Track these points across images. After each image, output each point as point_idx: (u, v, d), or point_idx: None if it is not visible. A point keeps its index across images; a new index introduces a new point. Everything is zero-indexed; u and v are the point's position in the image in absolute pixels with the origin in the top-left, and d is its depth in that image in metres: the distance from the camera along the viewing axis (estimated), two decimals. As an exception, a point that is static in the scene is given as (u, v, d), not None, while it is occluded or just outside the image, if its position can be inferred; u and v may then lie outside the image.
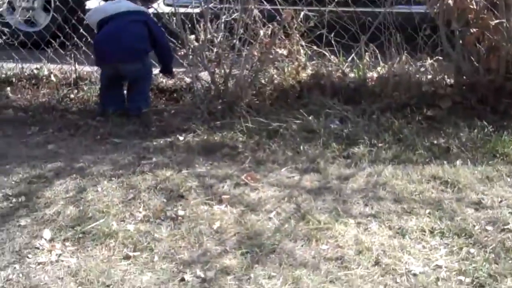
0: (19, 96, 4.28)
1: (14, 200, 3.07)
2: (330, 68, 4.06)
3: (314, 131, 3.58)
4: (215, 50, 4.03)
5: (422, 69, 3.91)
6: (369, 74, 4.03)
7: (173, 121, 3.85)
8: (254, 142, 3.55)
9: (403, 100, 3.78)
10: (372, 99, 3.84)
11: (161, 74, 4.27)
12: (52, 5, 5.42)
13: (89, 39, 4.71)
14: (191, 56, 4.04)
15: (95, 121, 3.95)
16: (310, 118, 3.66)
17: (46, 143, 3.72)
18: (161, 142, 3.64)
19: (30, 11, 5.38)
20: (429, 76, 3.89)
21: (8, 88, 4.34)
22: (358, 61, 4.08)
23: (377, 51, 4.05)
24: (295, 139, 3.53)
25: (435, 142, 3.44)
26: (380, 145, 3.42)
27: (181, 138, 3.66)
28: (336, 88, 3.94)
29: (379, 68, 4.05)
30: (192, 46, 4.02)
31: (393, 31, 3.98)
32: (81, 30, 4.83)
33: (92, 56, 4.51)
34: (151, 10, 4.90)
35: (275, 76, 4.04)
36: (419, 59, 3.93)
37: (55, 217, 2.89)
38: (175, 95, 4.21)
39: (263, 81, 4.02)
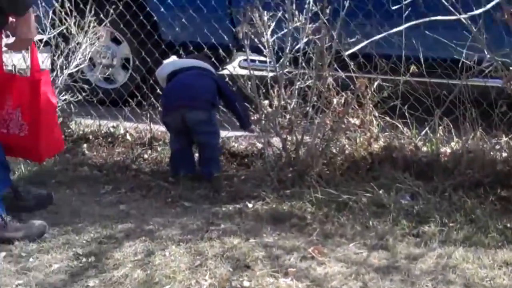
0: (94, 153, 4.38)
1: (84, 260, 3.12)
2: (402, 141, 4.03)
3: (384, 206, 3.55)
4: (288, 116, 4.05)
5: (497, 146, 3.85)
6: (442, 149, 3.98)
7: (243, 187, 3.87)
8: (323, 214, 3.54)
9: (477, 178, 3.71)
10: (444, 175, 3.78)
11: (233, 138, 4.33)
12: (131, 63, 5.58)
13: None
14: (263, 122, 4.07)
15: (167, 182, 4.00)
16: (381, 192, 3.63)
17: (119, 203, 3.79)
18: (230, 208, 3.67)
19: (110, 68, 5.54)
20: (505, 154, 3.81)
21: (85, 145, 4.45)
22: (431, 135, 4.04)
23: (451, 126, 4.01)
24: (364, 213, 3.50)
25: (509, 225, 3.34)
26: (451, 225, 3.36)
27: (250, 205, 3.68)
28: (408, 162, 3.90)
29: (452, 144, 4.00)
30: (265, 111, 4.06)
31: (468, 106, 3.93)
32: (158, 90, 4.94)
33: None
34: (225, 72, 5.02)
35: (347, 146, 4.04)
36: (494, 136, 3.87)
37: (123, 279, 2.93)
38: (246, 160, 4.24)
39: (334, 151, 4.02)
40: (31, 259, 3.13)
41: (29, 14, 3.28)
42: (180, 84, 4.11)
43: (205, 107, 4.03)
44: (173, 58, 4.42)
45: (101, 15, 4.91)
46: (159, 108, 4.73)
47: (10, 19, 3.38)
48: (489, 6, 3.50)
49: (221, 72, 5.32)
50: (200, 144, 4.10)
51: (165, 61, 4.40)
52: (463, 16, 3.57)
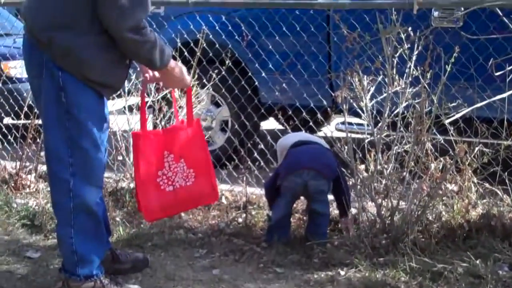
0: (190, 216, 4.44)
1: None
2: (502, 208, 3.94)
3: (480, 277, 3.45)
4: (383, 181, 4.03)
5: None
6: (544, 218, 3.87)
7: (335, 254, 3.83)
8: (417, 283, 3.48)
9: None
10: (546, 245, 3.67)
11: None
12: (229, 126, 5.71)
13: (262, 164, 4.91)
14: (359, 187, 4.05)
15: (260, 247, 4.02)
16: (478, 262, 3.54)
17: (212, 268, 3.83)
18: (322, 275, 3.65)
19: (209, 131, 5.67)
20: None
21: (181, 208, 4.52)
22: (532, 202, 3.94)
23: (554, 193, 3.90)
24: (460, 284, 3.42)
25: None
26: (550, 298, 3.26)
27: (342, 272, 3.66)
28: (507, 230, 3.79)
29: (554, 212, 3.89)
30: (361, 176, 4.05)
31: None
32: (255, 154, 5.03)
33: (262, 180, 4.68)
34: (321, 134, 5.05)
35: (443, 213, 3.97)
36: None
37: None
38: (339, 225, 4.22)
39: (430, 218, 3.95)
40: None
41: (169, 67, 3.37)
42: (308, 151, 4.16)
43: (329, 177, 4.04)
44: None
45: (204, 80, 5.07)
46: (255, 172, 4.81)
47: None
48: None
49: (318, 134, 5.38)
50: (314, 212, 4.08)
51: (290, 134, 4.56)
52: None
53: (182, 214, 4.45)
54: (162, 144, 3.50)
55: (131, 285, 3.54)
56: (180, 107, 4.75)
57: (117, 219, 4.47)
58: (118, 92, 3.82)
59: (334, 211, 4.34)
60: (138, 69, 3.72)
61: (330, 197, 4.18)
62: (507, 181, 4.02)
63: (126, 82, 4.86)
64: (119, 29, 3.14)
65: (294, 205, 4.26)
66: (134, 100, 5.16)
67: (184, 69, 3.49)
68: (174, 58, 3.45)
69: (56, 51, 3.17)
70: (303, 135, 4.46)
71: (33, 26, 3.23)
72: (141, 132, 3.52)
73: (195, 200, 3.70)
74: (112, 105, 5.14)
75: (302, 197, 4.23)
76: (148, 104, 4.89)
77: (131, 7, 3.10)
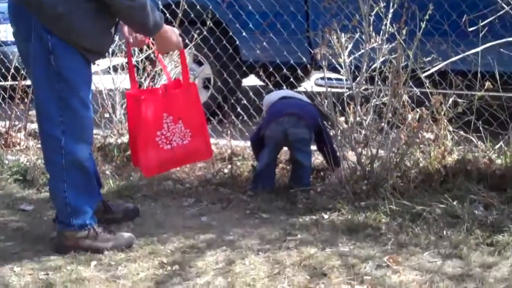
0: (178, 168, 4.43)
1: (168, 268, 3.20)
2: (476, 154, 3.99)
3: (458, 217, 3.51)
4: (363, 132, 4.06)
5: None
6: (516, 162, 3.93)
7: (319, 200, 3.88)
8: (397, 224, 3.53)
9: (551, 189, 3.66)
10: (518, 187, 3.74)
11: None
12: (212, 83, 5.71)
13: (245, 118, 4.92)
14: (339, 137, 4.08)
15: (246, 195, 4.07)
16: (455, 203, 3.60)
17: (200, 215, 3.86)
18: (307, 219, 3.70)
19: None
20: None
21: (169, 160, 4.52)
22: (505, 148, 3.99)
23: (526, 138, 3.96)
24: (438, 224, 3.48)
25: None
26: (525, 234, 3.32)
27: (326, 216, 3.70)
28: (482, 174, 3.86)
29: (527, 156, 3.95)
30: (341, 128, 4.08)
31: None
32: (238, 109, 5.04)
33: (246, 133, 4.71)
34: (301, 89, 5.07)
35: (421, 159, 4.02)
36: None
37: (205, 287, 3.00)
38: (322, 173, 4.26)
39: (408, 164, 4.00)
40: (119, 268, 3.23)
41: (162, 31, 3.36)
42: (290, 103, 4.25)
43: (310, 125, 4.09)
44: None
45: (186, 40, 5.05)
46: (239, 126, 4.83)
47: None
48: None
49: (299, 90, 5.39)
50: (297, 163, 4.13)
51: (275, 91, 4.60)
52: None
53: (170, 166, 4.47)
54: (161, 107, 3.52)
55: (124, 233, 3.55)
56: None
57: (107, 172, 4.48)
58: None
59: (316, 160, 4.38)
60: (120, 32, 3.68)
61: (313, 147, 4.21)
62: (481, 128, 4.07)
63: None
64: None
65: (278, 156, 4.29)
66: (118, 60, 5.15)
67: (176, 31, 3.47)
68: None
69: (46, 15, 3.15)
70: (287, 92, 4.50)
71: None
72: (142, 95, 3.54)
73: (190, 156, 3.73)
74: (97, 65, 5.12)
75: (286, 148, 4.26)
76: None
77: None
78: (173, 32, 3.44)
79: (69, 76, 3.23)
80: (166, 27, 3.38)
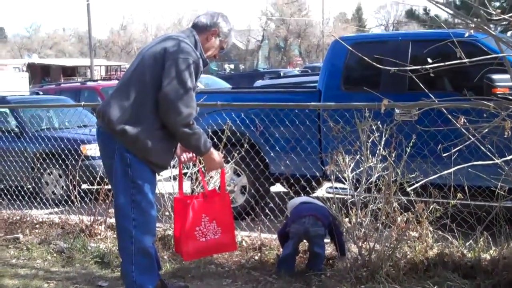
0: (219, 255, 4.40)
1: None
2: (452, 249, 3.91)
3: (437, 300, 3.42)
4: (363, 230, 4.01)
5: (527, 255, 3.67)
6: (483, 256, 3.83)
7: (328, 282, 3.80)
8: (390, 304, 3.44)
9: (511, 278, 3.54)
10: (485, 276, 3.62)
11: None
12: (247, 190, 5.72)
13: (271, 217, 4.90)
14: (344, 234, 4.05)
15: (271, 278, 3.99)
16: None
17: (236, 293, 3.79)
18: (319, 298, 3.62)
19: (232, 193, 5.69)
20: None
21: (213, 249, 4.48)
22: (474, 245, 3.92)
23: (490, 238, 3.88)
24: (421, 305, 3.38)
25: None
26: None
27: (334, 296, 3.63)
28: (456, 265, 3.77)
29: (491, 251, 3.85)
30: (346, 226, 4.05)
31: (503, 223, 3.81)
32: (266, 210, 5.02)
33: (272, 229, 4.67)
34: (315, 195, 5.05)
35: (408, 252, 3.93)
36: (524, 246, 3.70)
37: None
38: (331, 261, 4.17)
39: (398, 256, 3.91)
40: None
41: (209, 153, 3.42)
42: (308, 206, 4.20)
43: (325, 223, 4.05)
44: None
45: (228, 158, 5.13)
46: (267, 223, 4.80)
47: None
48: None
49: (313, 196, 5.38)
50: (314, 253, 4.06)
51: (297, 197, 4.58)
52: (499, 161, 3.52)
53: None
54: (201, 209, 3.54)
55: None
56: (211, 177, 4.81)
57: (165, 257, 4.44)
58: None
59: (326, 251, 4.31)
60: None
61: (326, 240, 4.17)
62: (454, 229, 4.00)
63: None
64: (176, 125, 3.25)
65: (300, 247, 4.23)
66: (176, 171, 5.20)
67: (220, 154, 3.54)
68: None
69: (127, 140, 3.25)
70: (306, 198, 4.48)
71: (110, 120, 3.28)
72: (189, 201, 3.56)
73: (220, 248, 3.71)
74: (161, 174, 5.19)
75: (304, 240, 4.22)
76: (188, 175, 4.94)
77: (185, 110, 3.20)
78: (218, 154, 3.50)
79: (141, 184, 3.29)
80: (213, 150, 3.45)
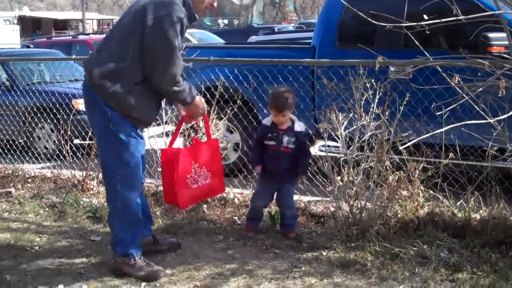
0: (211, 212, 4.42)
1: (201, 290, 3.13)
2: (442, 209, 3.92)
3: (427, 258, 3.44)
4: (354, 189, 4.01)
5: (517, 214, 3.69)
6: (473, 215, 3.84)
7: (319, 240, 3.82)
8: (380, 262, 3.46)
9: (500, 238, 3.56)
10: (475, 235, 3.64)
11: (313, 202, 4.32)
12: (240, 147, 5.69)
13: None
14: (336, 192, 4.04)
15: (262, 234, 4.00)
16: (425, 246, 3.53)
17: (227, 249, 3.80)
18: (309, 255, 3.63)
19: (225, 150, 5.67)
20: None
21: (205, 206, 4.48)
22: (465, 204, 3.92)
23: (480, 198, 3.88)
24: (411, 263, 3.40)
25: (526, 275, 3.16)
26: (479, 273, 3.22)
27: (324, 253, 3.64)
28: (446, 225, 3.78)
29: (481, 211, 3.86)
30: (337, 184, 4.03)
31: (493, 183, 3.81)
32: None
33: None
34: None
35: (399, 211, 3.94)
36: (514, 206, 3.72)
37: (228, 305, 2.94)
38: (322, 219, 4.18)
39: (389, 214, 3.92)
40: (163, 288, 3.17)
41: (195, 102, 3.42)
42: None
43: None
44: None
45: (221, 114, 5.08)
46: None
47: None
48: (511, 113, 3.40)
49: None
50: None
51: None
52: (492, 120, 3.49)
53: (205, 209, 4.44)
54: (190, 156, 3.56)
55: (158, 267, 3.45)
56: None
57: (157, 213, 4.44)
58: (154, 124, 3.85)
59: (317, 208, 4.33)
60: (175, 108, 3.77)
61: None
62: (445, 189, 4.01)
63: (164, 114, 4.90)
64: (162, 85, 3.22)
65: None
66: (169, 128, 5.17)
67: (202, 99, 3.51)
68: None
69: (106, 94, 3.22)
70: None
71: (91, 73, 3.24)
72: (180, 150, 3.61)
73: (210, 192, 3.78)
74: (154, 131, 5.16)
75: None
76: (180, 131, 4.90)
77: (172, 68, 3.16)
78: (200, 100, 3.46)
79: (123, 138, 3.26)
80: (197, 98, 3.41)
